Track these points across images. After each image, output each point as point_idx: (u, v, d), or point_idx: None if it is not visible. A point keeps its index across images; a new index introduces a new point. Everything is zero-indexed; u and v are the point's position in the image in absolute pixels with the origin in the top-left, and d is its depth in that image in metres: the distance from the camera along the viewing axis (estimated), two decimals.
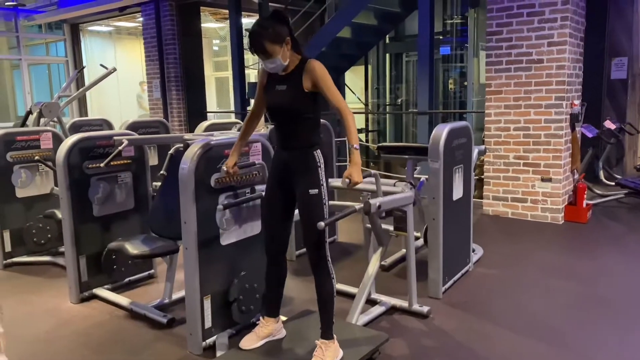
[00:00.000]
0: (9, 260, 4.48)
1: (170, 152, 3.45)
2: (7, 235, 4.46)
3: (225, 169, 2.78)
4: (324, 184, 2.56)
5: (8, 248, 4.47)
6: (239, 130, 4.12)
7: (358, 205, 2.79)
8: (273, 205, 2.69)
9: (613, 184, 6.32)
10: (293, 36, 2.51)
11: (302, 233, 2.58)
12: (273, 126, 2.79)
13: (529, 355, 2.81)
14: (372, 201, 2.82)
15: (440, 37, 9.76)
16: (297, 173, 2.57)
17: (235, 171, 2.82)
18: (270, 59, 2.45)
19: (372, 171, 3.06)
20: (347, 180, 2.43)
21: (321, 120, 4.57)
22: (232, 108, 11.43)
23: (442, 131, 3.48)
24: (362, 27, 8.02)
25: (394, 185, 3.40)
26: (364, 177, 2.58)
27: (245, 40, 8.80)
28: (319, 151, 2.56)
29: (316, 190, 2.53)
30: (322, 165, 2.56)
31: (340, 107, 2.48)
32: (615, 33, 6.87)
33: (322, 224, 2.44)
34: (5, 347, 1.36)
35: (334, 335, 2.61)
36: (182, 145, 3.37)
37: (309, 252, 2.59)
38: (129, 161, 3.87)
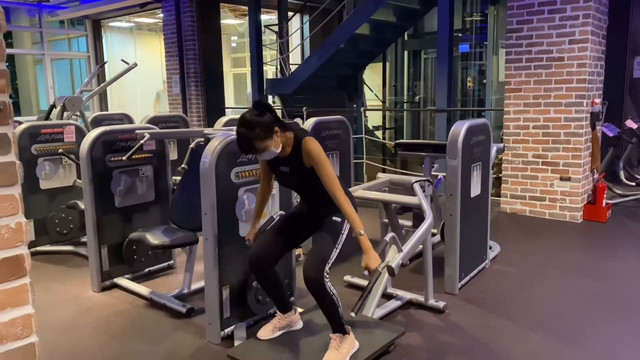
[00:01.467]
0: (33, 249, 4.58)
1: (191, 146, 3.52)
2: (31, 224, 4.57)
3: (248, 242, 2.81)
4: (348, 224, 2.59)
5: (32, 237, 4.58)
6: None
7: (381, 267, 2.57)
8: (290, 223, 2.73)
9: (634, 184, 6.24)
10: (279, 121, 2.48)
11: (310, 250, 2.63)
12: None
13: (546, 353, 2.81)
14: (394, 263, 2.70)
15: (460, 35, 9.71)
16: (322, 218, 2.64)
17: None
18: (264, 152, 2.46)
19: (386, 239, 2.97)
20: (366, 272, 2.43)
21: (338, 116, 4.60)
22: (250, 105, 11.53)
23: (460, 128, 3.48)
24: (381, 24, 8.01)
25: (412, 184, 3.38)
26: (380, 251, 2.55)
27: (266, 37, 8.88)
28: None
29: (339, 219, 2.58)
30: (347, 227, 2.61)
31: (335, 194, 2.44)
32: (638, 31, 6.77)
33: (352, 312, 2.42)
34: (36, 327, 1.42)
35: (348, 328, 2.64)
36: (202, 139, 3.44)
37: (306, 268, 2.48)
38: (150, 155, 3.94)
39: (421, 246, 3.93)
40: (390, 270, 2.67)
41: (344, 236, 2.59)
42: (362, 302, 2.46)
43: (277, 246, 2.68)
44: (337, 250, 2.56)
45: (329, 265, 2.51)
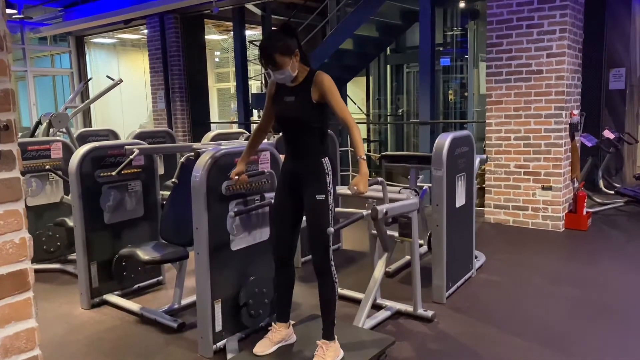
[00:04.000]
0: None
1: (181, 160, 3.55)
2: None
3: (233, 176, 2.83)
4: (331, 191, 2.64)
5: None
6: (246, 139, 4.22)
7: (365, 212, 2.88)
8: (282, 212, 2.77)
9: (612, 192, 6.41)
10: (302, 49, 2.60)
11: (307, 238, 2.66)
12: (281, 135, 2.87)
13: (532, 358, 2.88)
14: (379, 207, 2.90)
15: (441, 49, 9.90)
16: (305, 181, 2.65)
17: (243, 179, 2.89)
18: (280, 70, 2.54)
19: (379, 178, 3.15)
20: (354, 188, 2.52)
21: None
22: (234, 119, 11.55)
23: (445, 140, 3.57)
24: (364, 39, 8.16)
25: (399, 192, 3.48)
26: (370, 185, 2.67)
27: (251, 52, 8.97)
28: (326, 159, 2.65)
29: (323, 196, 2.61)
30: (330, 173, 2.65)
31: (347, 120, 2.55)
32: (613, 44, 7.00)
33: (331, 229, 2.53)
34: (39, 341, 1.44)
35: (335, 336, 2.69)
36: (192, 154, 3.47)
37: (313, 257, 2.68)
38: (138, 170, 3.96)
39: (408, 257, 4.01)
40: (374, 211, 2.86)
41: (333, 209, 2.64)
42: (342, 227, 2.74)
43: (291, 236, 2.78)
44: (332, 229, 2.60)
45: (331, 249, 2.64)
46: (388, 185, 3.53)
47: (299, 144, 2.69)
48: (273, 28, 2.65)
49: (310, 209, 2.64)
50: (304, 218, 2.74)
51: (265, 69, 2.73)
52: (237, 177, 2.84)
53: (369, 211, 2.90)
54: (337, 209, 2.85)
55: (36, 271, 4.83)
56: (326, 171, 2.64)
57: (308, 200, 2.64)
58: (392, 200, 3.25)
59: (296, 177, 2.69)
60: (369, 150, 10.60)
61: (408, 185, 4.25)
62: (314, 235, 2.63)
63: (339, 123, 2.59)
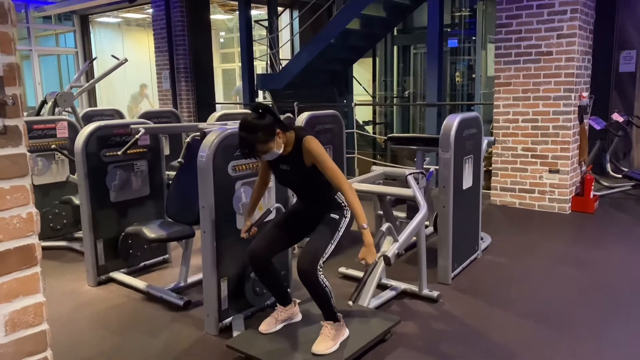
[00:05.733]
0: None
1: (187, 140, 3.54)
2: None
3: (243, 234, 2.82)
4: (347, 219, 2.64)
5: None
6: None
7: (377, 258, 2.64)
8: (289, 221, 2.76)
9: (620, 176, 6.37)
10: (280, 121, 2.51)
11: (306, 243, 2.65)
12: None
13: (537, 340, 2.89)
14: (390, 253, 2.77)
15: (449, 30, 9.78)
16: (320, 217, 2.65)
17: (254, 231, 2.84)
18: (267, 154, 2.50)
19: (384, 227, 3.02)
20: (363, 262, 2.48)
21: (331, 111, 4.65)
22: (238, 100, 11.51)
23: (453, 121, 3.54)
24: (371, 19, 8.05)
25: (407, 177, 3.43)
26: (375, 243, 2.58)
27: (256, 32, 8.87)
28: (339, 194, 2.62)
29: (337, 216, 2.62)
30: (349, 212, 2.64)
31: (342, 186, 2.48)
32: (624, 26, 6.89)
33: (349, 301, 2.45)
34: (47, 316, 1.45)
35: (340, 316, 2.69)
36: (198, 134, 3.46)
37: (300, 261, 2.52)
38: (144, 150, 3.95)
39: (415, 237, 4.01)
40: (386, 259, 2.73)
41: (341, 233, 2.63)
42: (358, 292, 2.51)
43: (275, 243, 2.73)
44: (333, 246, 2.60)
45: (324, 259, 2.55)
46: (394, 167, 3.50)
47: (308, 199, 2.73)
48: (246, 118, 2.54)
49: (320, 221, 2.63)
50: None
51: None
52: (246, 233, 2.82)
53: (381, 257, 2.77)
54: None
55: (43, 248, 4.89)
56: (342, 203, 2.64)
57: (322, 216, 2.64)
58: (396, 179, 3.20)
59: (310, 215, 2.70)
60: (374, 133, 10.56)
61: (414, 168, 4.23)
62: (313, 239, 2.60)
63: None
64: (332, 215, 2.63)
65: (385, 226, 2.90)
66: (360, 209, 2.47)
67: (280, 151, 2.53)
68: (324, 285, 2.55)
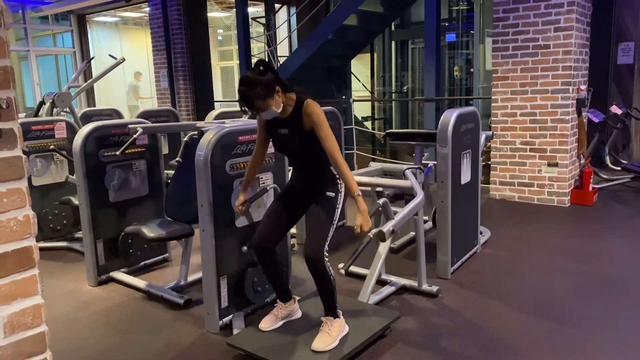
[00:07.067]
0: None
1: (185, 139, 3.54)
2: None
3: (237, 208, 2.84)
4: (341, 195, 2.64)
5: None
6: (249, 117, 4.18)
7: (372, 234, 2.72)
8: (281, 210, 2.75)
9: (619, 168, 6.37)
10: (281, 81, 2.51)
11: (306, 228, 2.66)
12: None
13: (537, 333, 2.90)
14: (385, 228, 2.79)
15: (446, 24, 9.77)
16: (316, 193, 2.65)
17: (246, 208, 2.87)
18: (265, 111, 2.49)
19: (380, 201, 3.06)
20: (358, 229, 2.49)
21: (329, 107, 4.65)
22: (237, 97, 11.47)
23: (450, 116, 3.54)
24: (368, 15, 8.04)
25: (404, 171, 3.44)
26: (372, 215, 2.61)
27: (254, 29, 8.87)
28: (336, 177, 2.62)
29: (333, 194, 2.62)
30: (343, 185, 2.63)
31: (334, 157, 2.48)
32: (622, 18, 6.88)
33: (342, 269, 2.48)
34: (46, 317, 1.46)
35: (340, 312, 2.70)
36: (196, 132, 3.46)
37: (306, 245, 2.57)
38: (142, 149, 3.96)
39: (413, 233, 4.01)
40: (381, 234, 2.76)
41: (339, 210, 2.63)
42: (351, 262, 2.57)
43: (277, 229, 2.74)
44: (334, 227, 2.61)
45: (328, 242, 2.57)
46: (392, 163, 3.51)
47: (304, 168, 2.71)
48: (248, 72, 2.55)
49: (317, 201, 2.64)
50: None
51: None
52: (241, 207, 2.84)
53: (377, 233, 2.78)
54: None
55: (43, 249, 4.89)
56: (337, 178, 2.63)
57: (317, 195, 2.64)
58: (393, 186, 3.21)
59: (305, 191, 2.70)
60: (373, 128, 10.56)
61: (413, 163, 4.23)
62: (314, 224, 2.61)
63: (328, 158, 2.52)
64: (327, 193, 2.61)
65: (381, 200, 2.95)
66: (352, 179, 2.50)
67: (279, 110, 2.52)
68: (330, 272, 2.58)
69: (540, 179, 5.53)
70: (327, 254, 2.56)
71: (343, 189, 2.65)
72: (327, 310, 2.68)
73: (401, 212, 2.98)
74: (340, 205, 2.64)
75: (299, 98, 2.55)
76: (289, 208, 2.76)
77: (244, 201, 2.86)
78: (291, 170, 2.85)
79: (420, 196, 3.18)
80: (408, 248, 4.24)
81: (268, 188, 3.08)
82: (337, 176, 2.63)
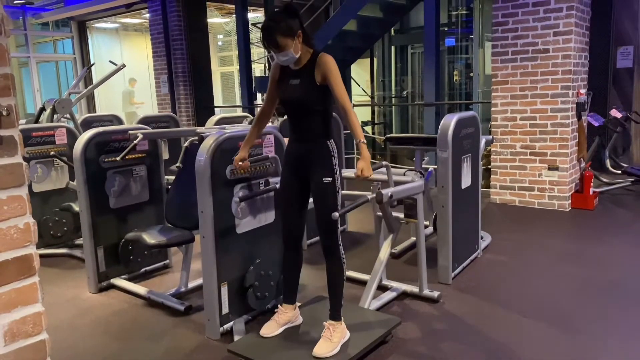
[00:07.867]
0: None
1: (185, 144, 3.54)
2: None
3: (236, 162, 2.82)
4: (338, 173, 2.64)
5: None
6: (249, 123, 4.20)
7: (370, 195, 2.87)
8: (289, 195, 2.77)
9: (619, 172, 6.36)
10: (305, 30, 2.57)
11: (315, 220, 2.66)
12: (285, 118, 2.84)
13: (539, 338, 2.89)
14: (384, 191, 2.90)
15: (446, 29, 9.78)
16: (311, 163, 2.65)
17: (245, 165, 2.87)
18: (283, 52, 2.52)
19: (384, 162, 3.14)
20: (359, 173, 2.51)
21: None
22: (238, 102, 11.51)
23: (450, 121, 3.54)
24: (368, 20, 8.06)
25: (404, 174, 3.47)
26: (375, 169, 2.66)
27: (254, 35, 8.91)
28: (332, 141, 2.64)
29: (330, 179, 2.61)
30: (336, 155, 2.64)
31: (345, 104, 2.53)
32: (621, 22, 6.89)
33: (336, 214, 2.52)
34: (46, 325, 1.45)
35: (342, 318, 2.71)
36: (196, 138, 3.46)
37: (321, 238, 2.69)
38: (143, 155, 3.96)
39: (414, 238, 4.01)
40: (379, 195, 2.84)
41: (340, 192, 2.64)
42: (344, 212, 2.70)
43: (299, 219, 2.78)
44: (338, 212, 2.60)
45: (339, 229, 2.65)
46: (393, 167, 3.52)
47: (303, 127, 2.67)
48: (275, 9, 2.64)
49: (317, 192, 2.64)
50: (311, 200, 2.74)
51: (267, 51, 2.70)
52: (240, 162, 2.83)
53: (374, 195, 2.89)
54: (343, 192, 2.84)
55: (44, 256, 4.89)
56: (332, 153, 2.63)
57: (315, 183, 2.63)
58: (397, 183, 3.25)
59: (302, 160, 2.68)
60: (373, 133, 10.56)
61: (413, 168, 4.23)
62: (322, 217, 2.63)
63: (338, 107, 2.57)
64: (325, 180, 2.61)
65: (384, 162, 3.05)
66: (359, 126, 2.55)
67: (297, 56, 2.55)
68: (342, 260, 2.68)
69: (540, 182, 5.53)
70: (340, 242, 2.66)
71: (339, 172, 2.65)
72: (332, 310, 2.68)
73: (403, 185, 3.07)
74: (340, 184, 2.64)
75: (315, 51, 2.62)
76: (297, 194, 2.75)
77: (244, 157, 2.85)
78: (287, 141, 2.84)
79: (421, 181, 3.26)
80: (409, 253, 4.24)
81: (270, 156, 3.12)
82: (333, 151, 2.63)
